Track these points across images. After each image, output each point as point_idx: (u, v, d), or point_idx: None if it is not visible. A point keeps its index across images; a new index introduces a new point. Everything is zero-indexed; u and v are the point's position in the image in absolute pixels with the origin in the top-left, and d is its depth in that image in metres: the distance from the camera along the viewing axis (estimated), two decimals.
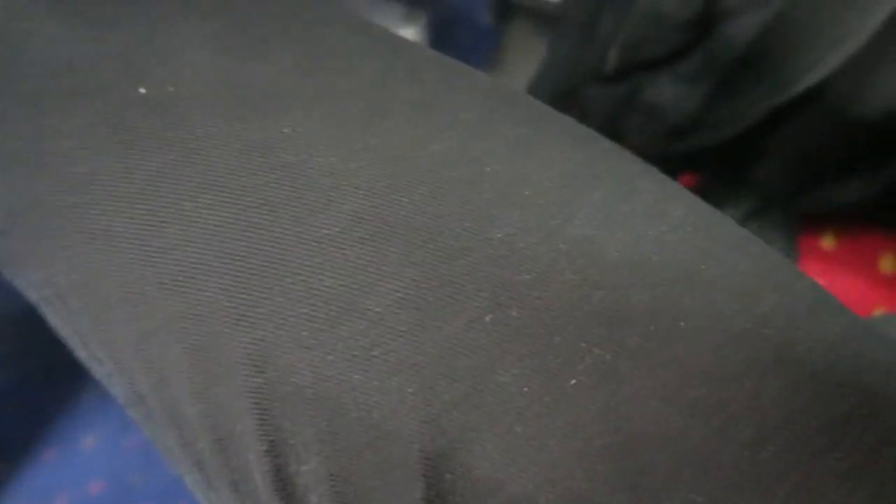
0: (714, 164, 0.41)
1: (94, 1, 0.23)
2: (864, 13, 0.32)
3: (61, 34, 0.22)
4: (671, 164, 0.42)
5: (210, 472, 0.21)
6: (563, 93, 0.46)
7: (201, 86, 0.20)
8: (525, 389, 0.17)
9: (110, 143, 0.20)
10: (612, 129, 0.45)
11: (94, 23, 0.22)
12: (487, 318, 0.18)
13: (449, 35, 0.95)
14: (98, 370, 0.23)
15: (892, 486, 0.17)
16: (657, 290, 0.18)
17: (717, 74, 0.36)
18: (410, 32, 0.86)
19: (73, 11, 0.23)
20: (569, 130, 0.22)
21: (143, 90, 0.20)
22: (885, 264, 0.44)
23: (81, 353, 0.23)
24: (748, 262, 0.20)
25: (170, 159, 0.20)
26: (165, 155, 0.20)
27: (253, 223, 0.19)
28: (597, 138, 0.22)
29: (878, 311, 0.42)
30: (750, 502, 0.16)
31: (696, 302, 0.18)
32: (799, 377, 0.18)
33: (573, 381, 0.17)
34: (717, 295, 0.18)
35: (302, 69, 0.21)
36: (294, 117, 0.20)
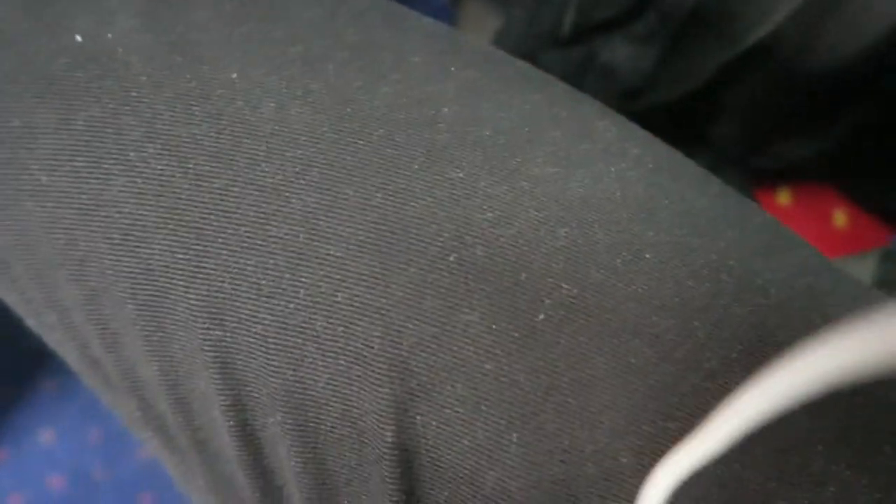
0: (670, 123, 0.41)
1: None
2: None
3: None
4: None
5: (173, 433, 0.21)
6: (521, 58, 0.45)
7: (138, 32, 0.19)
8: (493, 327, 0.17)
9: (44, 94, 0.19)
10: None
11: None
12: (452, 258, 0.17)
13: None
14: (49, 337, 0.22)
15: (853, 404, 0.17)
16: (621, 226, 0.18)
17: (670, 33, 0.37)
18: None
19: None
20: (522, 73, 0.22)
21: (79, 38, 0.20)
22: (839, 219, 0.45)
23: (30, 321, 0.22)
24: (707, 198, 0.20)
25: (110, 108, 0.19)
26: (105, 104, 0.19)
27: (200, 173, 0.18)
28: (552, 81, 0.22)
29: None
30: None
31: (659, 236, 0.18)
32: (762, 306, 0.18)
33: (541, 317, 0.17)
34: (678, 229, 0.18)
35: (236, 15, 0.20)
36: (234, 63, 0.19)
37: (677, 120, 0.41)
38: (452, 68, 0.20)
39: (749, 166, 0.42)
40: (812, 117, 0.39)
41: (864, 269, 0.30)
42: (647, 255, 0.18)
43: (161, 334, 0.19)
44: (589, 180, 0.19)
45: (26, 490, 0.70)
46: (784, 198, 0.44)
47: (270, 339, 0.18)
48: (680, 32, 0.36)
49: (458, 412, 0.17)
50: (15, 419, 0.72)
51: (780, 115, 0.38)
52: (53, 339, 0.22)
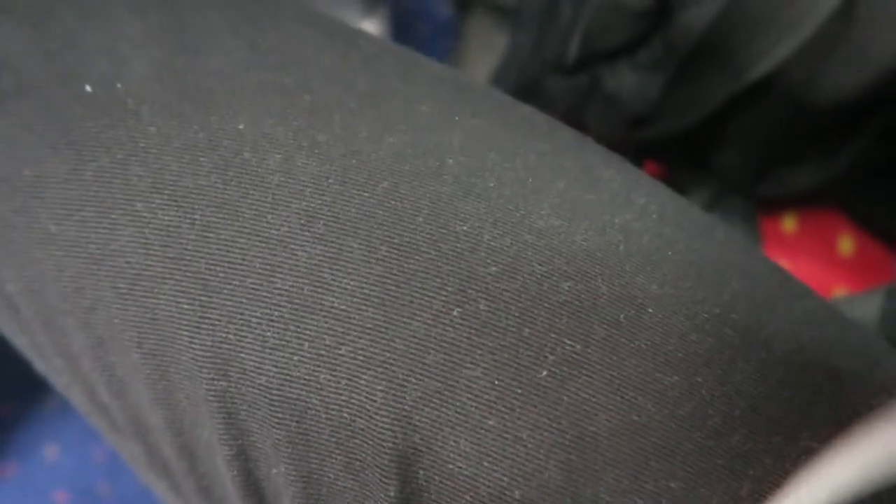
0: (677, 152, 0.41)
1: None
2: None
3: None
4: (635, 153, 0.43)
5: (178, 479, 0.21)
6: (526, 84, 0.46)
7: (149, 82, 0.20)
8: (496, 382, 0.17)
9: (56, 143, 0.19)
10: (575, 118, 0.45)
11: (26, 17, 0.21)
12: (455, 312, 0.17)
13: (409, 27, 0.94)
14: (57, 380, 0.22)
15: None
16: (624, 279, 0.18)
17: (675, 63, 0.37)
18: (370, 25, 0.85)
19: (2, 5, 0.22)
20: (528, 120, 0.22)
21: (89, 88, 0.20)
22: (844, 246, 0.45)
23: (39, 364, 0.23)
24: (712, 248, 0.20)
25: (119, 159, 0.19)
26: (115, 154, 0.19)
27: (207, 224, 0.18)
28: (557, 128, 0.22)
29: (838, 292, 0.43)
30: (721, 487, 0.17)
31: (663, 289, 0.18)
32: (766, 361, 0.18)
33: (544, 373, 0.17)
34: (683, 282, 0.18)
35: (249, 63, 0.20)
36: (243, 113, 0.19)
37: (683, 148, 0.41)
38: (458, 117, 0.20)
39: (754, 193, 0.42)
40: (816, 146, 0.39)
41: (870, 305, 0.30)
42: (651, 310, 0.18)
43: (166, 383, 0.19)
44: (593, 232, 0.19)
45: None
46: (790, 224, 0.44)
47: (275, 391, 0.18)
48: (685, 64, 0.37)
49: (461, 468, 0.17)
50: (20, 435, 0.73)
51: (784, 144, 0.38)
52: (61, 382, 0.22)
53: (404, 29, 0.92)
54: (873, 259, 0.46)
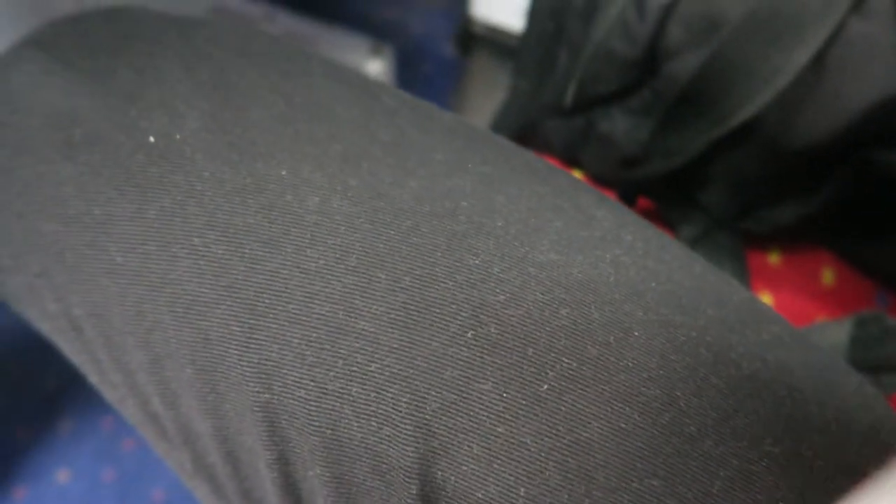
0: (667, 190, 0.44)
1: (86, 53, 0.25)
2: (789, 53, 0.35)
3: (60, 85, 0.24)
4: (629, 190, 0.46)
5: (221, 482, 0.23)
6: (526, 125, 0.49)
7: (202, 133, 0.23)
8: (504, 395, 0.20)
9: (122, 186, 0.22)
10: (572, 157, 0.48)
11: (89, 73, 0.25)
12: (469, 334, 0.20)
13: (415, 67, 0.99)
14: (111, 394, 0.25)
15: (814, 467, 0.20)
16: (614, 306, 0.21)
17: (663, 109, 0.40)
18: (377, 65, 0.89)
19: (69, 63, 0.25)
20: (529, 165, 0.25)
21: (152, 139, 0.23)
22: (827, 277, 0.48)
23: (94, 378, 0.25)
24: (690, 279, 0.23)
25: (178, 200, 0.22)
26: (175, 196, 0.22)
27: (254, 257, 0.21)
28: (555, 171, 0.25)
29: (820, 320, 0.46)
30: (695, 485, 0.19)
31: (647, 315, 0.21)
32: (735, 377, 0.21)
33: (545, 387, 0.20)
34: (664, 308, 0.21)
35: (286, 116, 0.23)
36: (284, 161, 0.22)
37: (673, 187, 0.44)
38: (470, 164, 0.24)
39: (739, 230, 0.45)
40: (795, 186, 0.42)
41: (841, 331, 0.33)
42: (637, 333, 0.21)
43: (215, 395, 0.22)
44: (587, 266, 0.22)
45: None
46: (775, 258, 0.47)
47: (312, 403, 0.20)
48: (671, 110, 0.40)
49: (473, 469, 0.20)
50: (32, 460, 0.75)
51: (765, 184, 0.42)
52: (116, 395, 0.25)
53: (409, 68, 0.96)
54: (854, 289, 0.48)
